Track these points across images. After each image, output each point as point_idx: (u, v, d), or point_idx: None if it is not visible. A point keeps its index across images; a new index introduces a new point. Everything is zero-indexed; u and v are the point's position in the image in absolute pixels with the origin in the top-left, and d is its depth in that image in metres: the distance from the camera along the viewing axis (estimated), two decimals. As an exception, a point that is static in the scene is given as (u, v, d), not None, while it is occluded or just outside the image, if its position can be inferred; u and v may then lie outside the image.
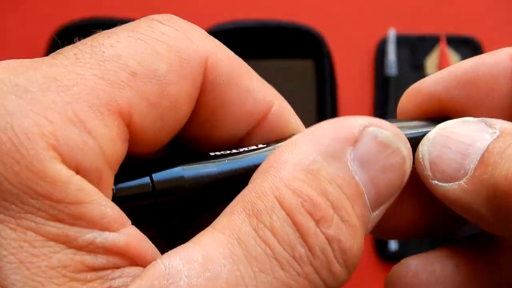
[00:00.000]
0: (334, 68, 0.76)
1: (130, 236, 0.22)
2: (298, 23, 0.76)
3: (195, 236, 0.22)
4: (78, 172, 0.21)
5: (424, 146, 0.26)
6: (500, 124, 0.26)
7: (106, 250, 0.21)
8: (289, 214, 0.22)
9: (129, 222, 0.22)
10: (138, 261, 0.22)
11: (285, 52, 0.77)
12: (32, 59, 0.23)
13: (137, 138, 0.23)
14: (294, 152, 0.24)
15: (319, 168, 0.23)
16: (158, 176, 0.24)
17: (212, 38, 0.26)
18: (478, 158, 0.25)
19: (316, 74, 0.77)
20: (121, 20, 0.87)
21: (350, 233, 0.23)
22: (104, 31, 0.25)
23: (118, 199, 0.23)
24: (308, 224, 0.22)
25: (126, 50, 0.24)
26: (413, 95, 0.28)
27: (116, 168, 0.23)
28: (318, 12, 0.79)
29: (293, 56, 0.77)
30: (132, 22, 0.25)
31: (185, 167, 0.25)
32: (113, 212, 0.22)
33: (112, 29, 0.25)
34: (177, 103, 0.24)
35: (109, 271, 0.21)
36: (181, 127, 0.25)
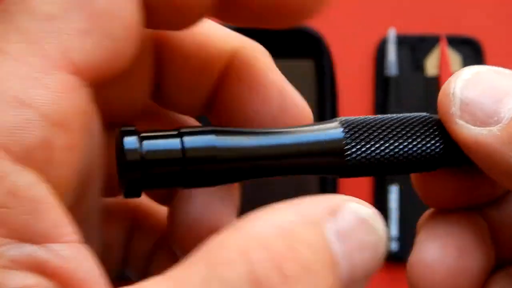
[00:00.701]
0: (334, 68, 0.76)
1: (62, 254, 0.18)
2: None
3: (147, 282, 0.19)
4: (26, 163, 0.18)
5: (457, 84, 0.25)
6: None
7: (22, 265, 0.17)
8: (250, 268, 0.20)
9: (73, 236, 0.19)
10: None
11: (285, 52, 0.77)
12: None
13: (88, 76, 0.20)
14: (272, 214, 0.22)
15: (296, 230, 0.21)
16: (189, 142, 0.23)
17: None
18: None
19: (316, 74, 0.77)
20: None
21: None
22: None
23: (145, 162, 0.22)
24: (272, 281, 0.20)
25: None
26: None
27: (79, 123, 0.20)
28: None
29: (293, 56, 0.77)
30: None
31: (218, 137, 0.23)
32: (45, 220, 0.18)
33: None
34: (114, 13, 0.21)
35: None
36: (136, 37, 0.22)
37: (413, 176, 0.28)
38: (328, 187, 0.74)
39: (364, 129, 0.25)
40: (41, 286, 0.17)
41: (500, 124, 0.24)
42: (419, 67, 0.79)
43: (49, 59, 0.20)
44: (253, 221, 0.21)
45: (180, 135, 0.23)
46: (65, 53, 0.20)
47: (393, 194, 0.76)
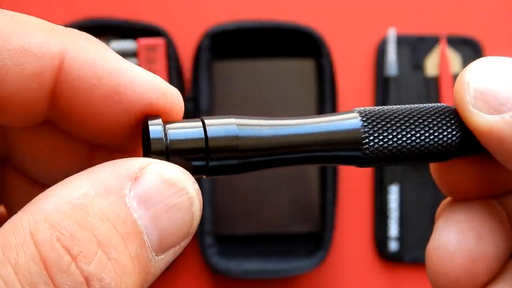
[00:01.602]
0: (334, 68, 0.76)
1: None
2: (298, 23, 0.76)
3: None
4: None
5: (472, 73, 0.25)
6: None
7: None
8: (38, 249, 0.20)
9: None
10: None
11: (285, 52, 0.77)
12: None
13: None
14: (66, 187, 0.21)
15: (90, 202, 0.21)
16: (212, 131, 0.23)
17: None
18: None
19: (316, 74, 0.77)
20: (121, 20, 0.88)
21: (118, 272, 0.21)
22: None
23: (170, 151, 0.23)
24: (60, 260, 0.20)
25: None
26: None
27: None
28: (318, 12, 0.79)
29: (293, 56, 0.77)
30: None
31: (240, 127, 0.24)
32: None
33: None
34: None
35: None
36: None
37: (431, 166, 0.28)
38: (328, 184, 0.74)
39: (382, 118, 0.25)
40: None
41: None
42: (419, 67, 0.79)
43: None
44: (44, 199, 0.21)
45: (204, 124, 0.23)
46: None
47: (393, 194, 0.76)
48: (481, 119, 0.25)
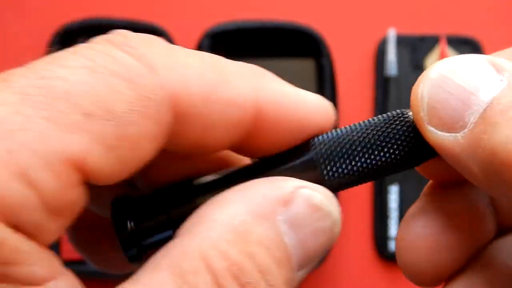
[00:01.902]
0: (334, 68, 0.76)
1: None
2: (298, 23, 0.76)
3: None
4: (17, 228, 0.20)
5: (425, 86, 0.24)
6: (511, 68, 0.24)
7: None
8: (215, 278, 0.21)
9: (61, 273, 0.21)
10: None
11: (285, 52, 0.77)
12: None
13: (93, 179, 0.22)
14: (225, 211, 0.23)
15: (249, 229, 0.22)
16: (175, 213, 0.25)
17: (180, 55, 0.24)
18: (480, 112, 0.23)
19: (316, 74, 0.77)
20: (121, 20, 0.88)
21: None
22: (57, 54, 0.22)
23: (140, 240, 0.25)
24: None
25: (80, 86, 0.21)
26: None
27: (71, 214, 0.22)
28: (318, 12, 0.79)
29: (293, 56, 0.77)
30: (86, 46, 0.23)
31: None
32: (42, 268, 0.20)
33: (67, 53, 0.22)
34: (138, 143, 0.22)
35: None
36: (145, 162, 0.23)
37: None
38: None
39: (338, 149, 0.26)
40: None
41: (464, 130, 0.23)
42: (419, 67, 0.79)
43: (68, 148, 0.21)
44: (208, 224, 0.22)
45: (168, 215, 0.25)
46: (85, 153, 0.21)
47: (393, 194, 0.76)
48: (435, 137, 0.24)
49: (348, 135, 0.26)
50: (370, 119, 0.26)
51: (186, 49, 0.25)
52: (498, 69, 0.23)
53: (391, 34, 0.79)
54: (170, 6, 0.77)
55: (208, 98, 0.23)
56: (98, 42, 0.23)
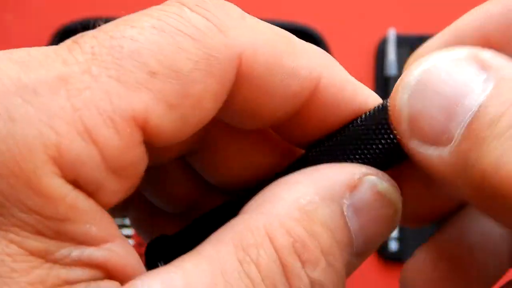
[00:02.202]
0: (334, 68, 0.76)
1: (111, 251, 0.21)
2: (298, 23, 0.76)
3: (179, 259, 0.22)
4: (77, 184, 0.20)
5: (404, 94, 0.22)
6: (498, 64, 0.21)
7: (82, 263, 0.20)
8: (277, 252, 0.22)
9: (117, 237, 0.22)
10: (117, 276, 0.21)
11: (285, 52, 0.77)
12: (46, 52, 0.21)
13: (154, 139, 0.22)
14: (292, 190, 0.23)
15: (315, 209, 0.23)
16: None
17: (251, 21, 0.24)
18: (467, 123, 0.20)
19: (316, 74, 0.77)
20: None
21: (334, 279, 0.23)
22: (128, 16, 0.23)
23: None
24: (295, 265, 0.22)
25: (148, 45, 0.22)
26: None
27: (132, 175, 0.22)
28: (318, 12, 0.79)
29: (293, 56, 0.77)
30: (158, 8, 0.23)
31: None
32: (98, 229, 0.21)
33: (137, 14, 0.23)
34: (200, 102, 0.22)
35: (83, 284, 0.20)
36: (205, 123, 0.23)
37: None
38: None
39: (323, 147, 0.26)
40: (98, 278, 0.21)
41: (450, 145, 0.21)
42: (419, 67, 0.79)
43: (132, 106, 0.21)
44: (276, 202, 0.23)
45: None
46: (147, 111, 0.21)
47: (393, 194, 0.76)
48: (419, 152, 0.22)
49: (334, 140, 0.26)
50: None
51: (259, 20, 0.25)
52: (484, 66, 0.21)
53: (391, 34, 0.79)
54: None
55: (274, 65, 0.24)
56: (171, 4, 0.23)
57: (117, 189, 0.21)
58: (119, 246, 0.21)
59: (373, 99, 0.26)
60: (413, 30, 0.79)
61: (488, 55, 0.21)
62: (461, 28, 0.25)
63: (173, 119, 0.22)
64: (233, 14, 0.24)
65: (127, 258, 0.22)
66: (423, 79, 0.22)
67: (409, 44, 0.79)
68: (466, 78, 0.21)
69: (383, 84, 0.78)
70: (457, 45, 0.23)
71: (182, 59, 0.22)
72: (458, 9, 0.86)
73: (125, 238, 0.22)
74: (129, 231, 0.67)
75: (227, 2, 0.24)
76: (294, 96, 0.24)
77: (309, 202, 0.23)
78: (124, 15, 0.24)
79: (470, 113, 0.20)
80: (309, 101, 0.25)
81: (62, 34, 0.74)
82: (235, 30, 0.23)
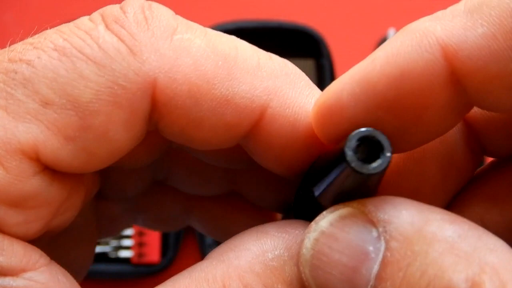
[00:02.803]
0: (334, 68, 0.76)
1: (31, 280, 0.20)
2: (298, 23, 0.76)
3: None
4: None
5: (305, 269, 0.20)
6: (383, 218, 0.19)
7: None
8: None
9: (42, 265, 0.20)
10: None
11: (285, 52, 0.77)
12: None
13: (57, 169, 0.20)
14: (258, 242, 0.21)
15: (282, 266, 0.20)
16: None
17: (179, 40, 0.21)
18: None
19: (316, 74, 0.77)
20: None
21: None
22: (42, 33, 0.21)
23: None
24: None
25: (44, 72, 0.20)
26: (328, 118, 0.22)
27: (35, 204, 0.20)
28: (318, 12, 0.79)
29: (293, 56, 0.77)
30: (77, 21, 0.21)
31: None
32: (7, 259, 0.20)
33: (50, 32, 0.21)
34: (106, 134, 0.20)
35: None
36: (126, 152, 0.21)
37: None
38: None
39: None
40: None
41: None
42: (419, 67, 0.79)
43: (17, 139, 0.20)
44: (239, 252, 0.21)
45: None
46: (38, 144, 0.20)
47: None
48: None
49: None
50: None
51: (200, 29, 0.22)
52: (371, 222, 0.20)
53: (391, 34, 0.78)
54: (170, 6, 0.77)
55: (199, 93, 0.21)
56: (88, 19, 0.22)
57: (21, 221, 0.20)
58: (42, 275, 0.20)
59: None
60: (413, 30, 0.79)
61: (372, 208, 0.20)
62: (371, 71, 0.22)
63: (72, 152, 0.20)
64: (158, 31, 0.21)
65: (52, 285, 0.20)
66: (316, 252, 0.20)
67: (409, 44, 0.79)
68: (359, 239, 0.20)
69: (383, 84, 0.78)
70: (367, 90, 0.21)
71: (81, 87, 0.20)
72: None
73: (53, 264, 0.21)
74: (130, 231, 0.67)
75: (159, 14, 0.22)
76: (229, 128, 0.22)
77: (276, 257, 0.20)
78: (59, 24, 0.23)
79: (368, 282, 0.19)
80: (254, 132, 0.22)
81: (62, 34, 0.74)
82: (151, 53, 0.21)
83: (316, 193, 0.22)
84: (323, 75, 0.76)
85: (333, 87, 0.23)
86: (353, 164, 0.19)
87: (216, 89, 0.21)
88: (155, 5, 0.22)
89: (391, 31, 0.79)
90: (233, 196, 0.29)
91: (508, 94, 0.19)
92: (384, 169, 0.19)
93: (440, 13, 0.21)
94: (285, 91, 0.23)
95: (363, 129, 0.20)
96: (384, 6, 0.80)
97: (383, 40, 0.79)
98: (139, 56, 0.21)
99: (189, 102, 0.21)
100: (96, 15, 0.22)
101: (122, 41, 0.21)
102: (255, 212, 0.29)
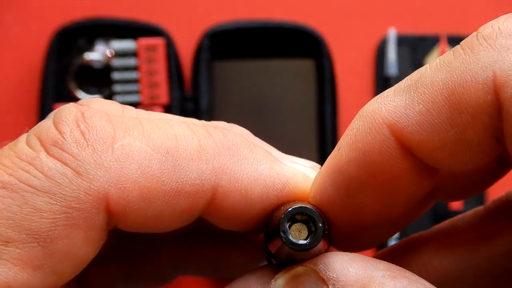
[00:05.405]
0: (334, 68, 0.76)
1: None
2: (298, 23, 0.76)
3: None
4: None
5: None
6: (336, 278, 0.22)
7: None
8: None
9: None
10: None
11: (285, 52, 0.77)
12: None
13: None
14: None
15: None
16: None
17: (120, 148, 0.22)
18: None
19: (316, 74, 0.77)
20: (121, 20, 0.87)
21: None
22: None
23: None
24: None
25: None
26: (326, 207, 0.24)
27: None
28: (318, 12, 0.79)
29: (293, 56, 0.77)
30: (17, 150, 0.22)
31: None
32: None
33: None
34: (69, 254, 0.21)
35: None
36: (89, 259, 0.22)
37: None
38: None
39: None
40: None
41: None
42: (419, 67, 0.78)
43: None
44: None
45: None
46: (8, 281, 0.20)
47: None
48: None
49: None
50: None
51: (137, 128, 0.23)
52: (325, 280, 0.23)
53: (391, 34, 0.78)
54: (170, 6, 0.77)
55: (150, 194, 0.22)
56: (27, 146, 0.22)
57: None
58: None
59: (292, 187, 0.25)
60: (413, 30, 0.79)
61: (322, 266, 0.23)
62: (339, 160, 0.24)
63: (42, 278, 0.21)
64: (98, 145, 0.22)
65: None
66: None
67: (409, 44, 0.79)
68: None
69: (383, 84, 0.78)
70: (343, 177, 0.23)
71: (37, 219, 0.20)
72: (458, 9, 0.86)
73: None
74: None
75: (94, 125, 0.22)
76: (185, 213, 0.23)
77: None
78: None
79: None
80: (210, 209, 0.24)
81: (62, 34, 0.74)
82: (97, 170, 0.21)
83: (272, 250, 0.24)
84: (323, 75, 0.76)
85: (316, 181, 0.25)
86: (285, 240, 0.22)
87: (166, 185, 0.22)
88: (88, 113, 0.23)
89: (391, 31, 0.79)
90: (200, 232, 0.30)
91: (454, 159, 0.22)
92: (315, 244, 0.22)
93: (385, 92, 0.24)
94: (231, 167, 0.24)
95: (295, 205, 0.23)
96: (384, 6, 0.80)
97: (383, 40, 0.79)
98: (85, 176, 0.21)
99: (142, 204, 0.22)
100: (33, 139, 0.22)
101: (66, 164, 0.21)
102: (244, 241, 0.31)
